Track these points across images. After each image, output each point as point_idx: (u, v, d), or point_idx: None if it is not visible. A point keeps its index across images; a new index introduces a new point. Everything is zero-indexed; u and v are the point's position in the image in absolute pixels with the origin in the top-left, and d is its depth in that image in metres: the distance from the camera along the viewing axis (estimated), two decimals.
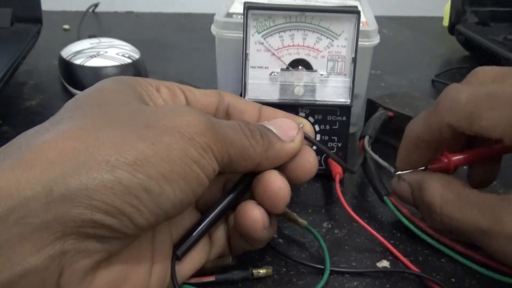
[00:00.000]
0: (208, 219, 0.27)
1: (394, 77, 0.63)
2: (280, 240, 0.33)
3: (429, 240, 0.32)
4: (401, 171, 0.34)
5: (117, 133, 0.22)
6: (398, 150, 0.34)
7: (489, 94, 0.29)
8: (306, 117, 0.38)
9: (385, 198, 0.34)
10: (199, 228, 0.27)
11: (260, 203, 0.27)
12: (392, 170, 0.34)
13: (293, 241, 0.33)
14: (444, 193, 0.31)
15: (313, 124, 0.38)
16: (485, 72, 0.32)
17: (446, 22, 0.75)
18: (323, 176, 0.39)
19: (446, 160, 0.32)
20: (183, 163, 0.22)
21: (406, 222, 0.33)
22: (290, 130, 0.28)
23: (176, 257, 0.26)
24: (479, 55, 0.69)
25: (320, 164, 0.39)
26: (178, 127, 0.23)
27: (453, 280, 0.30)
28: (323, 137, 0.39)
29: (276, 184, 0.27)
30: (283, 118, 0.29)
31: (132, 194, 0.21)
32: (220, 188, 0.30)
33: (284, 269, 0.30)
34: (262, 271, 0.29)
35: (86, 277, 0.21)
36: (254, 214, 0.27)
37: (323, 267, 0.30)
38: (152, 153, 0.22)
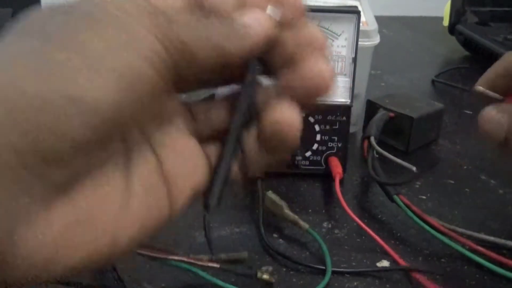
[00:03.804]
0: (227, 146, 0.20)
1: (394, 77, 0.63)
2: (281, 240, 0.33)
3: (440, 237, 0.31)
4: (481, 86, 0.31)
5: None
6: (486, 70, 0.31)
7: None
8: (306, 117, 0.38)
9: (395, 197, 0.34)
10: (222, 164, 0.20)
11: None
12: (414, 168, 0.33)
13: (293, 242, 0.33)
14: None
15: (313, 124, 0.38)
16: None
17: (446, 22, 0.75)
18: (323, 176, 0.39)
19: None
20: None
21: (417, 220, 0.32)
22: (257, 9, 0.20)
23: (207, 209, 0.19)
24: (479, 55, 0.69)
25: (320, 164, 0.39)
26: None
27: (453, 280, 0.30)
28: (323, 137, 0.39)
29: (288, 117, 0.20)
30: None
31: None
32: (223, 114, 0.22)
33: (285, 269, 0.30)
34: (266, 276, 0.29)
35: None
36: (288, 116, 0.20)
37: (323, 267, 0.30)
38: None
